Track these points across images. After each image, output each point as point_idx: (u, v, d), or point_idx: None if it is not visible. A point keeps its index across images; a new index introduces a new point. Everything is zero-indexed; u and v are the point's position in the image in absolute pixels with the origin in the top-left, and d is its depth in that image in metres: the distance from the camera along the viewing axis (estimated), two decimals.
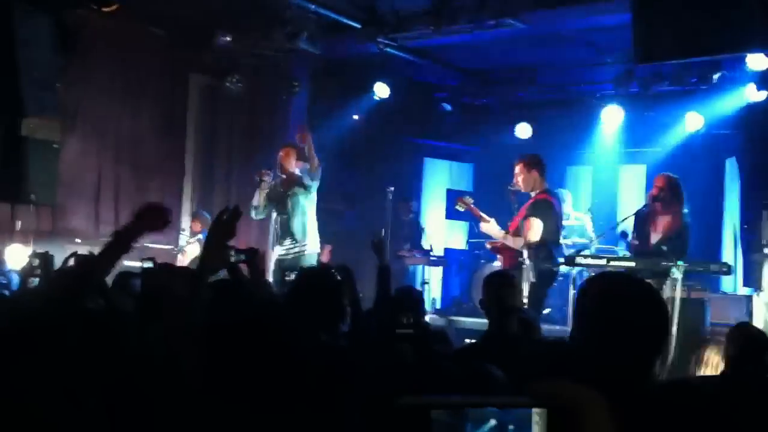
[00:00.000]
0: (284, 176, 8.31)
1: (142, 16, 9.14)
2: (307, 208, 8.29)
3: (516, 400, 1.22)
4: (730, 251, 10.14)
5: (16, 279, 6.11)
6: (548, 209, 7.62)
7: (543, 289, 7.55)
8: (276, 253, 8.41)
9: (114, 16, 8.08)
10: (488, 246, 8.32)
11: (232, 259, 4.36)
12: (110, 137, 9.72)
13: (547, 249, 7.56)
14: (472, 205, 7.98)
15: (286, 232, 8.27)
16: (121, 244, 3.25)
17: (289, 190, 8.28)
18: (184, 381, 2.26)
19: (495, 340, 4.25)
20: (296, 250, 8.20)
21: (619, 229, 7.67)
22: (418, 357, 2.69)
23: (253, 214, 8.35)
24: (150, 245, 8.63)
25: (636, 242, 7.31)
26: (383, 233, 4.99)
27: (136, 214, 3.21)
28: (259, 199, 8.25)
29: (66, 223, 9.16)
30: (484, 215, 7.89)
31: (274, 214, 8.37)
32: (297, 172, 8.29)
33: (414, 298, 4.97)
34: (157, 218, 3.25)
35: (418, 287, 10.25)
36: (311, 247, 8.26)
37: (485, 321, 4.55)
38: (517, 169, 7.78)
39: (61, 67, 8.58)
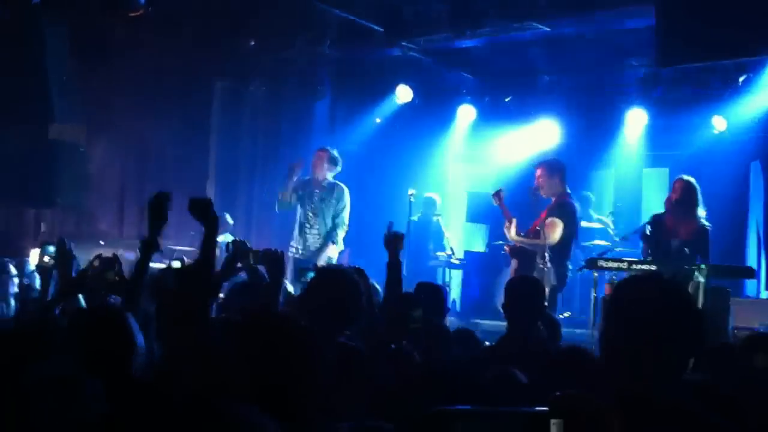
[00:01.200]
0: (315, 177, 8.39)
1: (166, 21, 9.22)
2: (342, 214, 8.39)
3: (536, 412, 1.23)
4: (755, 255, 10.06)
5: (38, 279, 6.17)
6: (570, 212, 7.66)
7: (559, 292, 7.60)
8: (296, 246, 8.44)
9: (138, 21, 8.16)
10: (506, 249, 8.35)
11: (252, 262, 4.40)
12: (135, 141, 9.81)
13: (565, 251, 7.60)
14: (503, 201, 8.01)
15: (310, 227, 8.35)
16: (149, 246, 3.40)
17: (317, 189, 8.35)
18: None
19: (517, 343, 4.24)
20: (317, 246, 8.25)
21: (641, 232, 7.63)
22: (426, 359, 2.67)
23: (276, 206, 8.45)
24: (174, 247, 8.73)
25: (651, 246, 7.27)
26: (391, 226, 4.85)
27: (147, 212, 3.34)
28: (282, 193, 8.34)
29: (91, 226, 9.27)
30: (509, 215, 7.92)
31: (299, 209, 8.42)
32: (327, 176, 8.37)
33: (435, 296, 4.90)
34: (162, 206, 3.40)
35: None
36: (331, 252, 8.32)
37: (504, 324, 4.55)
38: (538, 172, 7.81)
39: (85, 73, 8.67)
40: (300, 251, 8.34)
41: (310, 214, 8.38)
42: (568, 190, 7.88)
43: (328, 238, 8.30)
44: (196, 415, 1.73)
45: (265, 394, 1.90)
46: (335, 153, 8.43)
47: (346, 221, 8.39)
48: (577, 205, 7.89)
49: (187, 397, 2.19)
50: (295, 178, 8.31)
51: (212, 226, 3.77)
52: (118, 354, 2.77)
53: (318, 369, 1.99)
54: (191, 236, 9.78)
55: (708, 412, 2.11)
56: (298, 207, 8.42)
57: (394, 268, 4.47)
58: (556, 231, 7.53)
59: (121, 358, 2.76)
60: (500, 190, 8.14)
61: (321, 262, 7.96)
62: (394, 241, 4.60)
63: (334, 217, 8.35)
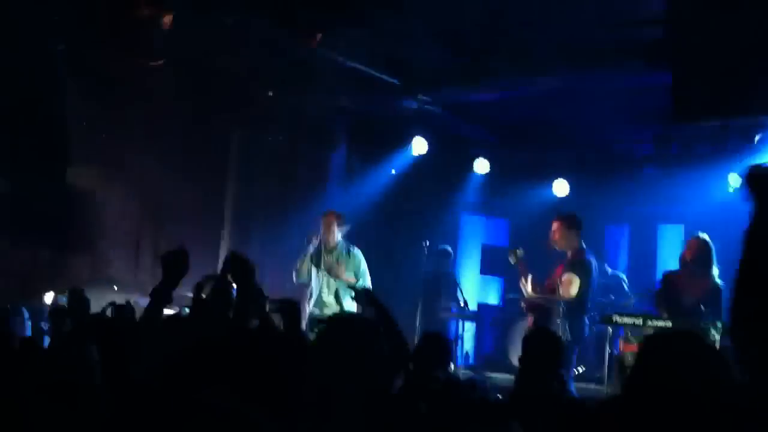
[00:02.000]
0: (327, 242, 8.41)
1: (184, 69, 9.34)
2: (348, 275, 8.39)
3: None
4: None
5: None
6: (587, 268, 7.65)
7: (574, 347, 7.53)
8: (311, 306, 8.44)
9: (158, 68, 8.27)
10: (522, 305, 8.32)
11: (267, 309, 4.39)
12: (151, 187, 9.87)
13: (581, 307, 7.56)
14: (521, 259, 8.01)
15: (327, 298, 8.36)
16: (159, 298, 3.42)
17: (330, 254, 8.39)
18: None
19: (531, 398, 4.18)
20: (331, 312, 8.22)
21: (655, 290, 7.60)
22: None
23: (294, 277, 8.49)
24: (189, 294, 8.71)
25: (664, 304, 7.22)
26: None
27: (162, 265, 3.38)
28: (301, 262, 8.39)
29: (105, 271, 9.29)
30: (526, 272, 7.91)
31: (315, 277, 8.44)
32: (339, 238, 8.43)
33: (441, 347, 4.85)
34: (180, 263, 3.43)
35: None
36: (349, 307, 8.29)
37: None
38: (555, 226, 7.82)
39: (103, 118, 8.78)
40: (314, 314, 8.32)
41: (325, 279, 8.39)
42: (584, 246, 7.87)
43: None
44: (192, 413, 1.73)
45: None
46: (341, 214, 8.55)
47: (368, 280, 8.40)
48: (593, 261, 7.87)
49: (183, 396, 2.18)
50: (312, 249, 8.35)
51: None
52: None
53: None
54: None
55: None
56: (313, 274, 8.45)
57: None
58: (572, 287, 7.51)
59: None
60: (517, 248, 8.15)
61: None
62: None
63: (358, 277, 8.36)
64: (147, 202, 9.84)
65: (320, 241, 8.38)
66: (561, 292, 7.50)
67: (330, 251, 8.43)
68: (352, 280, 8.34)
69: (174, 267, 3.73)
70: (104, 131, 8.88)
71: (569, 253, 7.81)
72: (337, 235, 8.43)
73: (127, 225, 9.63)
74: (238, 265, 3.78)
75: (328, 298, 8.40)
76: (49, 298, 7.84)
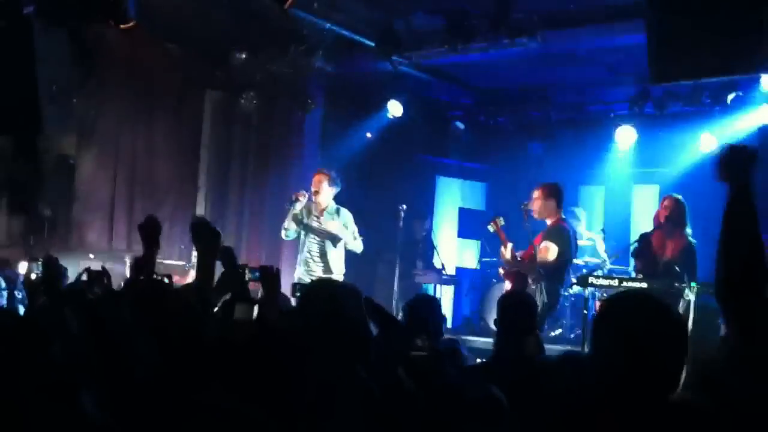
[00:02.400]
0: (317, 202, 8.30)
1: (158, 33, 9.21)
2: (339, 240, 8.31)
3: None
4: None
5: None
6: (566, 237, 7.72)
7: (550, 311, 7.63)
8: (297, 273, 8.37)
9: (130, 32, 8.14)
10: (500, 272, 8.37)
11: (246, 278, 4.35)
12: (125, 153, 9.77)
13: (557, 272, 7.64)
14: (501, 228, 8.04)
15: (313, 258, 8.29)
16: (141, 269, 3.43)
17: (320, 216, 8.29)
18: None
19: (509, 360, 4.22)
20: (325, 274, 8.16)
21: (632, 250, 7.65)
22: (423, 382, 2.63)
23: (283, 234, 8.39)
24: (164, 261, 8.68)
25: (641, 265, 7.28)
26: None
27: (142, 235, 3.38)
28: (288, 220, 8.28)
29: (80, 238, 9.21)
30: (506, 240, 7.95)
31: (302, 236, 8.36)
32: (329, 198, 8.29)
33: (432, 307, 4.81)
34: (154, 230, 3.44)
35: None
36: (339, 273, 8.26)
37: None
38: (536, 194, 7.87)
39: (77, 82, 8.65)
40: (299, 279, 8.21)
41: (315, 245, 8.31)
42: (563, 215, 7.94)
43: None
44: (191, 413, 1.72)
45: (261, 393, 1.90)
46: (334, 174, 8.35)
47: (360, 241, 8.36)
48: (572, 230, 7.95)
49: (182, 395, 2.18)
50: (298, 207, 8.21)
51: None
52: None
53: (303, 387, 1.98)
54: (180, 250, 9.77)
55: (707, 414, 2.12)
56: (302, 236, 8.35)
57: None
58: (549, 253, 7.60)
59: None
60: (497, 217, 8.18)
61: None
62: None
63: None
64: (121, 167, 9.74)
65: (309, 200, 8.25)
66: (538, 258, 7.57)
67: (321, 212, 8.28)
68: (340, 229, 8.19)
69: (152, 233, 3.71)
70: (77, 97, 8.74)
71: (549, 222, 7.87)
72: (329, 194, 8.26)
73: (102, 191, 9.54)
74: (204, 232, 3.73)
75: (316, 267, 8.30)
76: (23, 266, 7.77)
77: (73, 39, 8.32)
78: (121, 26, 7.99)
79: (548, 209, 7.84)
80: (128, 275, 4.10)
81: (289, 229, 8.30)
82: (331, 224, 8.16)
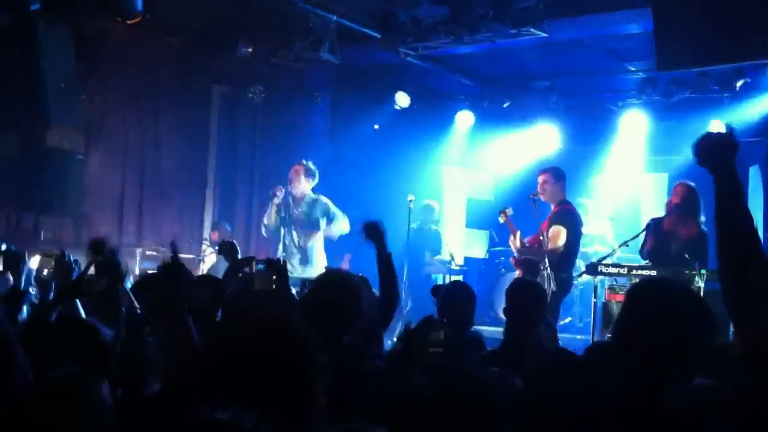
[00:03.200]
0: (294, 194, 8.34)
1: (164, 27, 9.22)
2: (317, 231, 8.34)
3: None
4: None
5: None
6: (573, 220, 7.70)
7: (561, 298, 7.60)
8: None
9: (136, 27, 8.15)
10: (512, 261, 8.36)
11: (255, 269, 4.39)
12: (133, 148, 9.79)
13: (568, 258, 7.61)
14: (509, 218, 8.05)
15: (294, 251, 8.31)
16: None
17: (298, 208, 8.32)
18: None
19: (518, 349, 4.22)
20: (301, 273, 8.18)
21: (640, 238, 7.63)
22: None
23: (263, 231, 8.43)
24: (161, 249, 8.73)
25: (649, 251, 7.25)
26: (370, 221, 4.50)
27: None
28: (270, 215, 8.31)
29: (89, 233, 9.23)
30: (515, 230, 7.96)
31: (283, 230, 8.39)
32: (306, 189, 8.33)
33: (469, 301, 4.76)
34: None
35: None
36: (317, 271, 8.27)
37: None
38: (543, 178, 7.83)
39: (84, 78, 8.67)
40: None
41: (294, 235, 8.34)
42: (567, 198, 7.93)
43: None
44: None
45: (261, 396, 1.90)
46: (311, 165, 8.40)
47: (343, 217, 8.41)
48: (578, 213, 7.93)
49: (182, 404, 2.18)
50: (277, 201, 8.26)
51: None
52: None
53: (316, 371, 1.98)
54: (190, 244, 9.80)
55: (709, 420, 2.13)
56: (282, 229, 8.38)
57: (387, 261, 4.23)
58: (559, 239, 7.57)
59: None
60: (507, 208, 8.18)
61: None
62: (376, 230, 4.32)
63: (330, 220, 8.33)
64: (129, 163, 9.77)
65: (287, 194, 8.30)
66: (549, 245, 7.54)
67: (298, 204, 8.34)
68: (338, 228, 8.31)
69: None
70: (85, 92, 8.76)
71: (553, 206, 7.85)
72: (305, 186, 8.32)
73: (111, 187, 9.57)
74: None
75: (295, 259, 8.31)
76: (34, 261, 7.80)
77: (78, 35, 8.33)
78: (128, 22, 8.00)
79: (556, 193, 7.82)
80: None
81: (270, 225, 8.36)
82: (332, 230, 8.28)
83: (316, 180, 8.39)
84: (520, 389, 2.90)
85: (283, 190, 8.26)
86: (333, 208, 8.37)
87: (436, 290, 4.49)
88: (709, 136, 2.38)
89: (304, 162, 8.43)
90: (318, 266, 8.24)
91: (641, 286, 2.46)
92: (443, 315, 4.48)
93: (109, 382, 2.52)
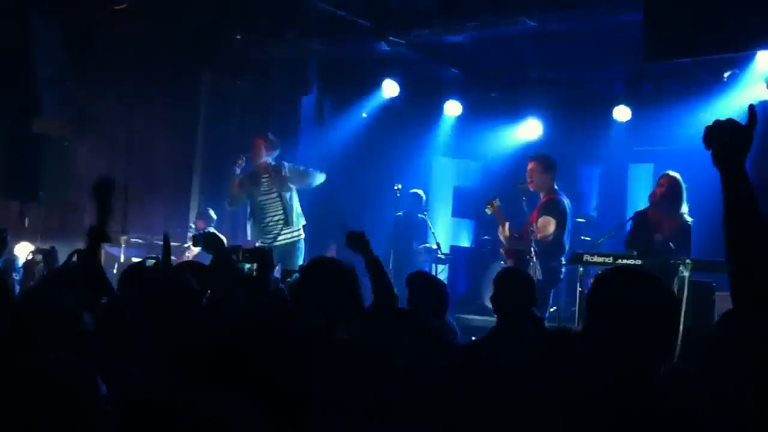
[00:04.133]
0: (257, 165, 8.42)
1: (153, 14, 9.17)
2: (292, 193, 8.41)
3: None
4: None
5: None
6: (562, 210, 7.71)
7: (549, 288, 7.62)
8: (251, 237, 8.43)
9: (125, 14, 8.10)
10: (502, 252, 8.38)
11: (240, 259, 4.38)
12: (121, 135, 9.76)
13: (556, 248, 7.63)
14: (497, 208, 8.04)
15: (270, 218, 8.32)
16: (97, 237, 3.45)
17: (264, 175, 8.36)
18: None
19: (505, 337, 4.24)
20: (287, 236, 8.22)
21: (627, 226, 7.66)
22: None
23: (227, 205, 8.52)
24: (159, 242, 8.68)
25: (634, 242, 7.28)
26: (347, 226, 4.46)
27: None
28: (232, 186, 8.41)
29: (75, 221, 9.20)
30: (502, 219, 7.96)
31: (250, 200, 8.42)
32: (268, 160, 8.42)
33: (439, 297, 4.65)
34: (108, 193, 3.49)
35: None
36: (300, 233, 8.34)
37: (492, 319, 4.55)
38: (532, 166, 7.84)
39: (72, 65, 8.61)
40: (259, 242, 8.24)
41: (265, 200, 8.36)
42: (557, 187, 7.92)
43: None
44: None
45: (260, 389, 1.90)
46: (271, 136, 8.49)
47: (314, 172, 8.47)
48: (567, 203, 7.93)
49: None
50: (238, 171, 8.34)
51: (371, 257, 3.99)
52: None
53: (312, 364, 1.98)
54: (177, 231, 9.77)
55: (691, 404, 2.13)
56: (251, 202, 8.43)
57: (378, 269, 4.13)
58: (548, 228, 7.58)
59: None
60: (494, 199, 8.17)
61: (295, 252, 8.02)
62: (360, 239, 4.26)
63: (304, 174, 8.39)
64: (118, 151, 9.73)
65: (249, 166, 8.39)
66: (538, 235, 7.55)
67: (262, 173, 8.41)
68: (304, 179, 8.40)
69: (105, 198, 3.74)
70: (73, 79, 8.71)
71: (542, 195, 7.86)
72: (267, 158, 8.41)
73: (97, 174, 9.50)
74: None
75: (275, 224, 8.36)
76: (20, 250, 7.78)
77: (67, 23, 8.28)
78: (115, 7, 7.96)
79: (545, 182, 7.82)
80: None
81: (234, 196, 8.42)
82: (303, 179, 8.38)
83: (278, 151, 8.47)
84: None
85: (244, 159, 8.35)
86: (299, 166, 8.46)
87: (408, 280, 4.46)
88: (720, 126, 2.21)
89: (263, 135, 8.50)
90: (298, 226, 8.36)
91: (605, 274, 2.46)
92: (413, 305, 4.43)
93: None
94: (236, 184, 8.37)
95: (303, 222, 8.50)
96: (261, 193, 8.37)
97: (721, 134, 2.20)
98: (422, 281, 4.76)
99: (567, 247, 7.90)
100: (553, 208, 7.71)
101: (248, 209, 8.51)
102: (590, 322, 2.30)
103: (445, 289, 4.78)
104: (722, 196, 2.17)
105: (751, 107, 2.21)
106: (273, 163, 8.45)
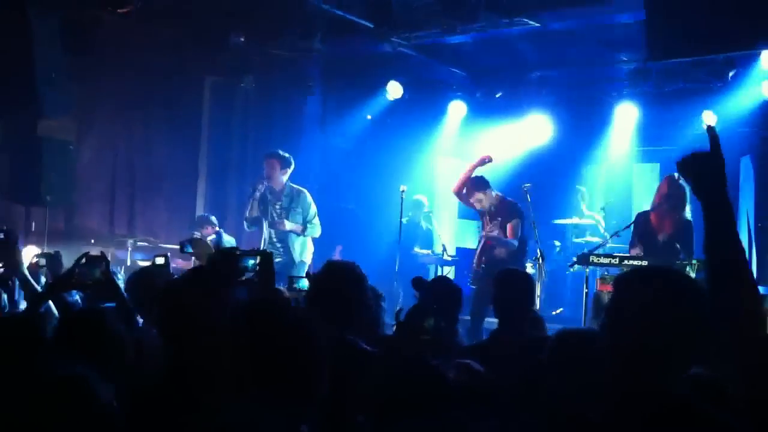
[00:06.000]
0: (272, 186, 8.28)
1: (155, 17, 9.17)
2: (297, 220, 8.31)
3: None
4: (745, 250, 10.05)
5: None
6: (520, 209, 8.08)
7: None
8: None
9: (128, 16, 8.11)
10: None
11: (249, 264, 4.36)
12: (125, 138, 9.77)
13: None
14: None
15: (274, 243, 8.28)
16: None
17: (278, 201, 8.29)
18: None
19: (505, 339, 4.22)
20: (285, 257, 8.17)
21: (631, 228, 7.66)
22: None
23: (245, 226, 8.40)
24: (164, 245, 8.70)
25: (638, 243, 7.29)
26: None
27: None
28: (250, 210, 8.28)
29: (80, 224, 9.22)
30: None
31: (266, 223, 8.37)
32: (284, 181, 8.28)
33: (453, 298, 4.62)
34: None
35: None
36: (301, 257, 8.27)
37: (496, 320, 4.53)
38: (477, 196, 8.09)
39: (75, 67, 8.62)
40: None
41: (271, 234, 8.30)
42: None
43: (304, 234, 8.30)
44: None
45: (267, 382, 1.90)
46: (284, 154, 8.34)
47: (318, 225, 8.36)
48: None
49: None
50: (258, 195, 8.22)
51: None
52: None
53: (321, 358, 1.98)
54: (181, 234, 9.77)
55: (715, 409, 2.10)
56: (263, 222, 8.34)
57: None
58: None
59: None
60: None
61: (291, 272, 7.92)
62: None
63: (306, 224, 8.29)
64: (121, 153, 9.75)
65: (265, 186, 8.24)
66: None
67: (277, 196, 8.29)
68: (297, 228, 8.23)
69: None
70: (76, 82, 8.71)
71: (495, 206, 8.05)
72: (282, 178, 8.26)
73: (102, 177, 9.54)
74: None
75: (276, 252, 8.22)
76: (26, 253, 7.78)
77: (69, 24, 8.29)
78: (119, 10, 7.97)
79: (489, 198, 8.06)
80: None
81: (249, 219, 8.31)
82: (287, 224, 8.19)
83: (293, 166, 8.34)
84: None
85: (265, 184, 8.23)
86: (312, 213, 8.32)
87: (418, 283, 4.37)
88: (692, 160, 2.16)
89: (277, 153, 8.37)
90: (301, 252, 8.28)
91: (632, 274, 2.39)
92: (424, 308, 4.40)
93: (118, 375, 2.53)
94: (255, 208, 8.30)
95: (308, 253, 8.42)
96: (272, 219, 8.33)
97: (691, 167, 2.14)
98: (440, 286, 4.71)
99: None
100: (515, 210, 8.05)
101: (262, 231, 8.43)
102: (612, 323, 2.23)
103: (459, 294, 4.73)
104: (704, 225, 2.11)
105: (710, 129, 2.19)
106: (294, 187, 8.31)
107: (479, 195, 8.10)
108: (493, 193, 8.14)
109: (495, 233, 7.95)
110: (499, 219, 7.98)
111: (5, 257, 4.17)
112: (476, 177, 8.25)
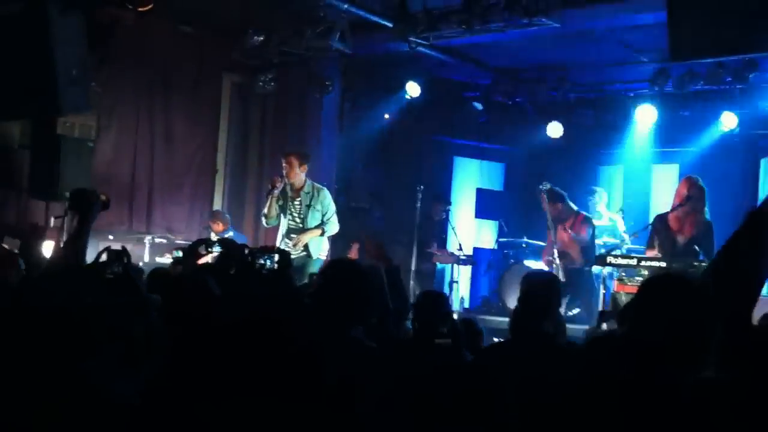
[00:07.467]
0: (292, 183, 8.30)
1: (175, 15, 9.22)
2: (317, 217, 8.33)
3: None
4: None
5: None
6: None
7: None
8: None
9: (147, 14, 8.15)
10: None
11: (262, 261, 4.38)
12: (144, 135, 9.82)
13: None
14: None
15: (291, 238, 8.29)
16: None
17: (298, 197, 8.32)
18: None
19: (527, 339, 4.20)
20: (302, 253, 8.18)
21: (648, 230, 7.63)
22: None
23: (263, 221, 8.42)
24: (180, 242, 8.75)
25: (657, 245, 7.27)
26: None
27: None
28: (269, 206, 8.31)
29: (100, 220, 9.23)
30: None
31: (283, 219, 8.39)
32: (303, 178, 8.31)
33: (442, 309, 4.57)
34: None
35: (447, 286, 10.26)
36: (317, 254, 8.28)
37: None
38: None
39: (95, 65, 8.67)
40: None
41: (293, 225, 8.32)
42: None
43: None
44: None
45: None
46: (301, 150, 8.41)
47: (336, 223, 8.37)
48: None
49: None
50: (276, 192, 8.24)
51: None
52: None
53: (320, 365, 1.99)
54: (201, 231, 9.83)
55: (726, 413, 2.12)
56: (281, 217, 8.36)
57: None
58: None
59: None
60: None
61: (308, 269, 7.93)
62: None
63: (325, 222, 8.31)
64: (140, 150, 9.80)
65: (284, 183, 8.25)
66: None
67: (296, 193, 8.31)
68: (316, 233, 8.25)
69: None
70: (96, 80, 8.77)
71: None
72: (302, 175, 8.29)
73: (121, 174, 9.60)
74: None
75: (293, 248, 8.22)
76: (45, 248, 7.83)
77: (90, 22, 8.33)
78: (140, 9, 8.01)
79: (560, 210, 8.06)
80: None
81: (270, 216, 8.32)
82: (304, 238, 8.20)
83: (309, 160, 8.38)
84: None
85: (282, 181, 8.25)
86: (331, 211, 8.35)
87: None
88: None
89: (296, 150, 8.42)
90: (317, 249, 8.29)
91: (655, 280, 2.48)
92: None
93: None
94: (273, 204, 8.34)
95: (325, 249, 8.44)
96: (293, 218, 8.34)
97: None
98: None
99: None
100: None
101: (279, 227, 8.45)
102: (638, 327, 2.29)
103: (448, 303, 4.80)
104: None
105: None
106: (314, 185, 8.35)
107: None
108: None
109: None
110: None
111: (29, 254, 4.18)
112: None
